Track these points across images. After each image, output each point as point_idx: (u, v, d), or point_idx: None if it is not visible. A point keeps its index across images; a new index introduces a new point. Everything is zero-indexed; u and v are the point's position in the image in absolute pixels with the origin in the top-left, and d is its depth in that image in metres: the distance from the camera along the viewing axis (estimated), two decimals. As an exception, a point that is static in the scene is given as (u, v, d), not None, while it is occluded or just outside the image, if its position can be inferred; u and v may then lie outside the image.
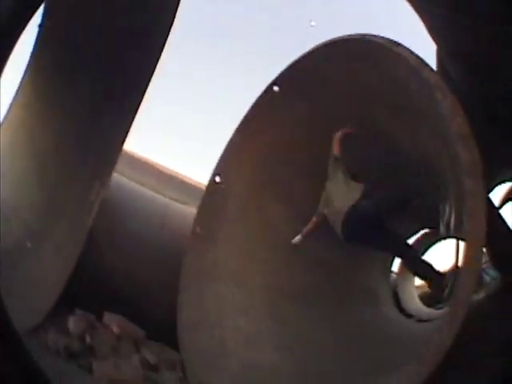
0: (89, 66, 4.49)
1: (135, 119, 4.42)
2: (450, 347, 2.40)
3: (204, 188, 4.74)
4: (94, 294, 4.36)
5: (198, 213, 4.53)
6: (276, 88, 4.29)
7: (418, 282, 8.67)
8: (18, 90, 5.12)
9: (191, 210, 5.13)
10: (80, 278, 4.12)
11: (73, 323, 4.17)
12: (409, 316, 7.44)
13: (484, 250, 3.63)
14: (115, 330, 4.23)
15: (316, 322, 4.33)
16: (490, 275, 5.53)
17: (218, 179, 4.49)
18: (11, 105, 5.06)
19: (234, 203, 4.54)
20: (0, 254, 4.07)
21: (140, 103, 4.39)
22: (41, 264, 4.33)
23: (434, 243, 9.18)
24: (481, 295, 4.61)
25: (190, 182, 7.16)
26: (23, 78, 5.08)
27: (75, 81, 4.63)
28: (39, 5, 2.10)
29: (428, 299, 7.86)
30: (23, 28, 1.98)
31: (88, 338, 4.05)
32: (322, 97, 4.13)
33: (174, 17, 4.34)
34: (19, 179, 4.84)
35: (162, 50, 4.40)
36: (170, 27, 4.36)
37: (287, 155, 4.45)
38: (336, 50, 3.85)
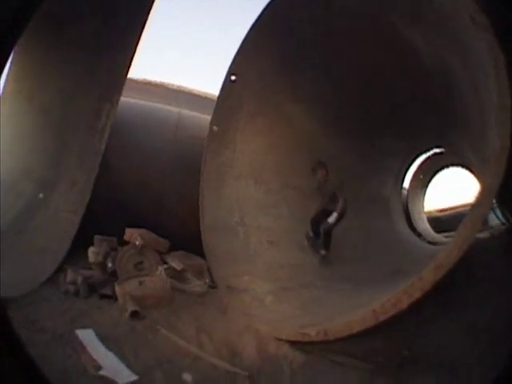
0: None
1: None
2: (452, 268, 2.30)
3: (214, 98, 4.67)
4: (113, 216, 4.34)
5: (215, 112, 4.48)
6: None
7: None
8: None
9: (204, 117, 5.07)
10: (97, 205, 4.13)
11: (92, 252, 4.11)
12: (418, 235, 7.51)
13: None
14: (138, 242, 4.14)
15: None
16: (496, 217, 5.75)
17: (233, 78, 4.41)
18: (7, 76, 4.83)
19: (250, 101, 4.53)
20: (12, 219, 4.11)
21: (143, 28, 4.28)
22: (54, 207, 4.26)
23: (440, 169, 9.32)
24: (486, 234, 4.81)
25: (198, 93, 7.03)
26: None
27: (72, 21, 4.37)
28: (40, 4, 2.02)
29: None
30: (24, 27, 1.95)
31: (109, 264, 4.01)
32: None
33: None
34: (25, 141, 4.73)
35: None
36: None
37: (304, 57, 4.37)
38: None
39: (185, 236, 4.25)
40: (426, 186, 9.76)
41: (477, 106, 3.11)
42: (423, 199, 9.69)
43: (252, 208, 4.39)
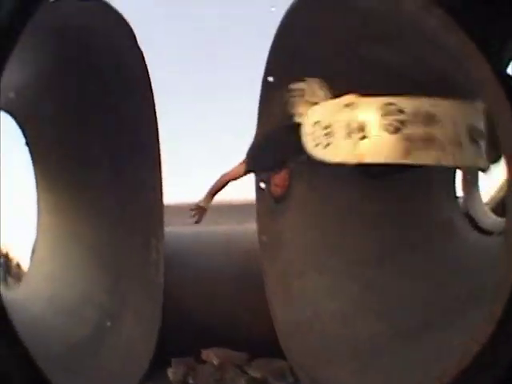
0: (93, 137, 4.58)
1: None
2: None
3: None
4: (186, 339, 4.41)
5: (259, 222, 4.54)
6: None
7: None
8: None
9: (249, 226, 5.09)
10: (167, 331, 4.19)
11: (172, 372, 4.19)
12: (489, 233, 6.92)
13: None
14: (216, 361, 4.22)
15: (407, 281, 4.11)
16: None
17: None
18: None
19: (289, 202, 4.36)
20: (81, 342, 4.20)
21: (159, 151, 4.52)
22: (125, 335, 4.38)
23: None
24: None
25: (236, 203, 7.13)
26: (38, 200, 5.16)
27: (89, 162, 4.72)
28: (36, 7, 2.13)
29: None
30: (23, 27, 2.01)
31: (191, 381, 4.08)
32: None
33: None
34: (79, 272, 4.94)
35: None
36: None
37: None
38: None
39: (262, 342, 4.25)
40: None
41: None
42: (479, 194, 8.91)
43: (321, 298, 4.33)
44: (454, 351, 2.36)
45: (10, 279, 5.32)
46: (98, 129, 4.51)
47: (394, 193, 4.31)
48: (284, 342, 4.09)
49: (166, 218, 4.86)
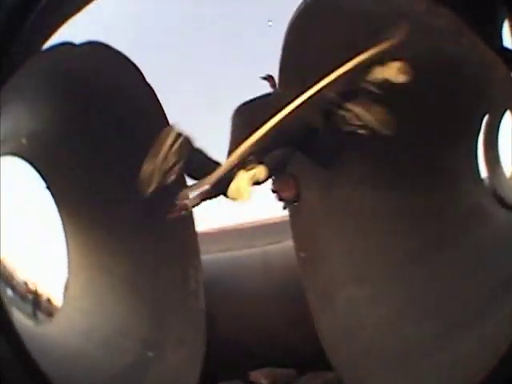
0: (112, 174, 4.62)
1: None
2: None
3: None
4: (232, 363, 4.38)
5: (295, 239, 4.57)
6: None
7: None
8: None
9: (285, 244, 5.13)
10: (212, 357, 4.24)
11: None
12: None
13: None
14: (264, 382, 4.26)
15: (447, 276, 4.06)
16: None
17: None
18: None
19: (319, 213, 4.59)
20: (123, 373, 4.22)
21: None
22: (168, 364, 4.41)
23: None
24: None
25: (267, 222, 7.10)
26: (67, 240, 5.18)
27: (114, 200, 4.71)
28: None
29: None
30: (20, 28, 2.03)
31: None
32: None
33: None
34: (116, 307, 4.97)
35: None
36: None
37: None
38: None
39: (309, 357, 4.27)
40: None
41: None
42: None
43: (366, 305, 4.32)
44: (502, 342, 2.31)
45: (40, 315, 5.36)
46: (117, 167, 4.52)
47: (420, 187, 4.32)
48: (331, 354, 4.09)
49: (208, 245, 4.98)
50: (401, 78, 3.29)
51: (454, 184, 4.47)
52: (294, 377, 4.33)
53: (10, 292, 5.30)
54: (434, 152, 4.38)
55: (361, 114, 3.33)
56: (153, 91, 4.41)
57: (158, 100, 4.44)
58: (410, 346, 3.86)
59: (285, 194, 3.57)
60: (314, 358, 4.20)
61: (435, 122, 4.28)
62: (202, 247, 4.96)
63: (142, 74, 4.31)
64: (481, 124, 4.85)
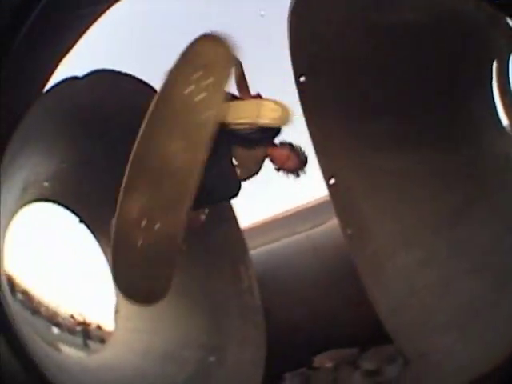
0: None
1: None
2: None
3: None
4: (295, 352, 4.45)
5: (340, 218, 4.51)
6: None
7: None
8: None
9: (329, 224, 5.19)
10: (274, 349, 4.29)
11: None
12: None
13: None
14: (328, 364, 4.30)
15: (488, 231, 4.06)
16: None
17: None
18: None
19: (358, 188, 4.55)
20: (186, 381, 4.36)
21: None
22: (231, 365, 4.48)
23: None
24: None
25: (308, 205, 7.06)
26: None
27: None
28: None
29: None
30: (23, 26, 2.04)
31: None
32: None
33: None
34: (171, 320, 4.97)
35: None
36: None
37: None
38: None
39: (368, 333, 4.26)
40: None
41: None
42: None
43: (416, 271, 4.28)
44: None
45: (91, 344, 5.44)
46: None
47: (448, 146, 4.27)
48: (388, 325, 4.05)
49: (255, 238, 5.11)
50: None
51: (481, 137, 4.43)
52: (357, 355, 4.37)
53: (55, 330, 5.43)
54: (454, 108, 4.34)
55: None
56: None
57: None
58: (464, 305, 3.85)
59: (288, 165, 3.58)
60: (374, 334, 4.18)
61: (450, 77, 4.24)
62: (249, 243, 5.04)
63: (152, 88, 4.20)
64: (492, 71, 4.96)
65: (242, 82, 3.30)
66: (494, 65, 4.35)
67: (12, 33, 2.03)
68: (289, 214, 6.85)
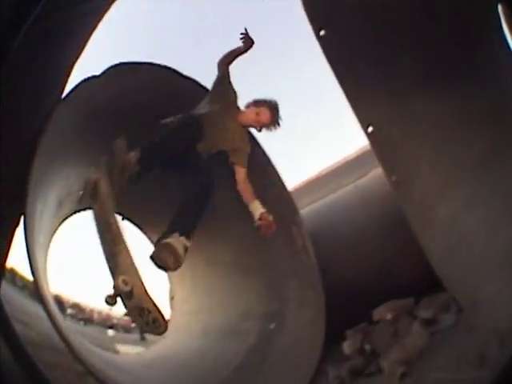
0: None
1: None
2: None
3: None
4: (353, 309, 4.45)
5: (383, 166, 4.43)
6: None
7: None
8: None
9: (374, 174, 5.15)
10: (333, 307, 4.31)
11: (347, 345, 4.28)
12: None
13: None
14: (389, 316, 4.24)
15: None
16: None
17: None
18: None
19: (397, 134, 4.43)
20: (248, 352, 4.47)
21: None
22: (291, 328, 4.50)
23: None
24: None
25: (348, 159, 6.95)
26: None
27: None
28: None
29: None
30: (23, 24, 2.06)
31: (367, 345, 4.15)
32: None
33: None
34: (236, 296, 5.12)
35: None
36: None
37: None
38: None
39: (422, 281, 4.25)
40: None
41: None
42: None
43: (463, 213, 4.17)
44: None
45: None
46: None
47: (471, 90, 4.09)
48: (440, 272, 3.99)
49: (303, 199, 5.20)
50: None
51: (502, 80, 4.08)
52: (413, 305, 4.32)
53: (111, 332, 5.78)
54: (471, 51, 4.08)
55: None
56: (193, 80, 4.43)
57: (202, 86, 4.43)
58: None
59: (263, 121, 3.78)
60: (429, 283, 4.15)
61: (461, 22, 3.98)
62: (299, 203, 5.09)
63: (172, 70, 4.34)
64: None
65: None
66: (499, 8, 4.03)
67: (12, 32, 2.08)
68: (332, 169, 6.77)
